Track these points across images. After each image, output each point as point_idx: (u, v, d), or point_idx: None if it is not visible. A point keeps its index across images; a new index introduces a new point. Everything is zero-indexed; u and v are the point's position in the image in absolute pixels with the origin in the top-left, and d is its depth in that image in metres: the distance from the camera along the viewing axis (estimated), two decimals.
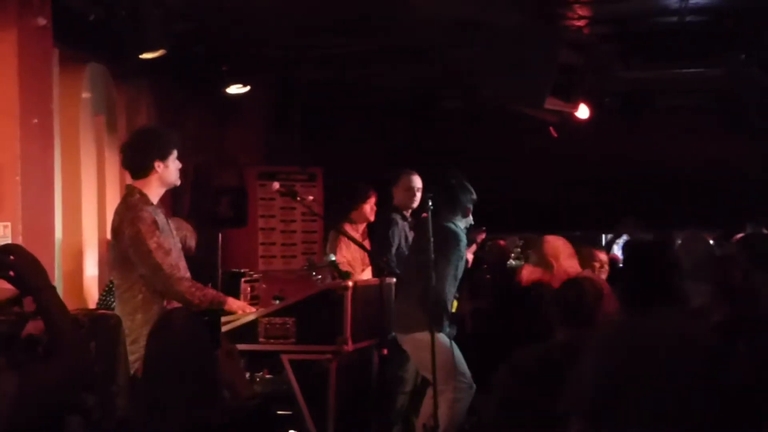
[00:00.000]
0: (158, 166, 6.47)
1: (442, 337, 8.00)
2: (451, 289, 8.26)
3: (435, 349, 8.00)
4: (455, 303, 9.76)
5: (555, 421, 5.11)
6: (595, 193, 13.07)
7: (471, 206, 8.48)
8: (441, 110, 13.45)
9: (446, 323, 8.08)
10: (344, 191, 9.82)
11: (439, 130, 13.58)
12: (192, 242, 7.69)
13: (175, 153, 6.57)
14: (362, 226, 9.58)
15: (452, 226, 8.28)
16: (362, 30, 9.93)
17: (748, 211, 11.16)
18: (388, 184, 9.48)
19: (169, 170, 6.52)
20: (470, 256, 9.32)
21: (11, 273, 3.77)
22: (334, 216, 9.63)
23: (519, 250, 12.25)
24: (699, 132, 12.71)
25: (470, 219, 8.46)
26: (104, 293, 8.25)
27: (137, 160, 6.54)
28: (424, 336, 7.82)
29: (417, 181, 9.11)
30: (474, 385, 8.24)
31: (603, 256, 8.67)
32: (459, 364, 8.21)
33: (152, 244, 6.29)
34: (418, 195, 8.98)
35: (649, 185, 13.13)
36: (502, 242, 10.70)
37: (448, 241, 8.20)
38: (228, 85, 10.75)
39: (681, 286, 4.92)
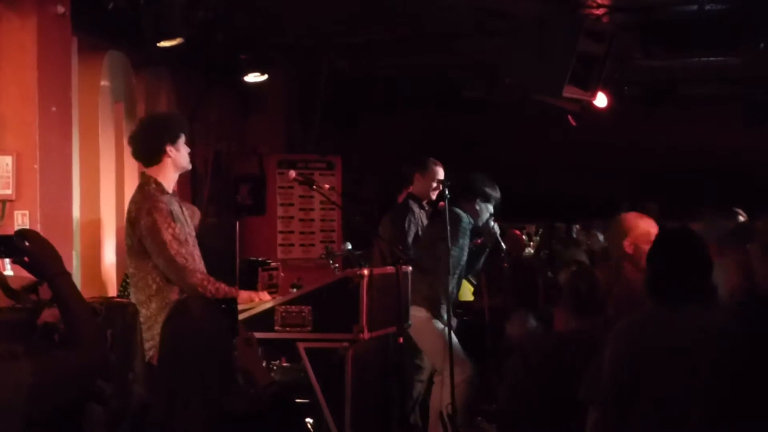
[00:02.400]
0: (170, 150, 6.47)
1: (437, 323, 8.17)
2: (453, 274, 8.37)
3: (433, 335, 8.18)
4: (470, 290, 9.84)
5: (566, 409, 5.12)
6: (615, 181, 13.05)
7: (480, 207, 8.58)
8: (462, 100, 13.42)
9: (443, 309, 8.20)
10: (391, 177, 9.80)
11: (460, 120, 13.57)
12: (195, 220, 7.67)
13: (183, 136, 6.57)
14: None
15: (457, 210, 8.39)
16: (384, 19, 9.92)
17: None
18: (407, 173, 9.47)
19: (181, 154, 6.53)
20: None
21: (26, 259, 3.79)
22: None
23: (537, 238, 12.26)
24: (719, 121, 12.67)
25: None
26: (122, 286, 8.28)
27: (148, 148, 6.54)
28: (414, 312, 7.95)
29: (442, 174, 9.10)
30: (475, 373, 8.37)
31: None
32: (457, 352, 8.30)
33: (167, 235, 6.30)
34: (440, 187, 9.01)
35: (669, 174, 13.10)
36: (516, 231, 10.72)
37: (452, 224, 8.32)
38: (248, 73, 10.74)
39: (710, 279, 4.89)
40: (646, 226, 6.72)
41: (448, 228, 7.95)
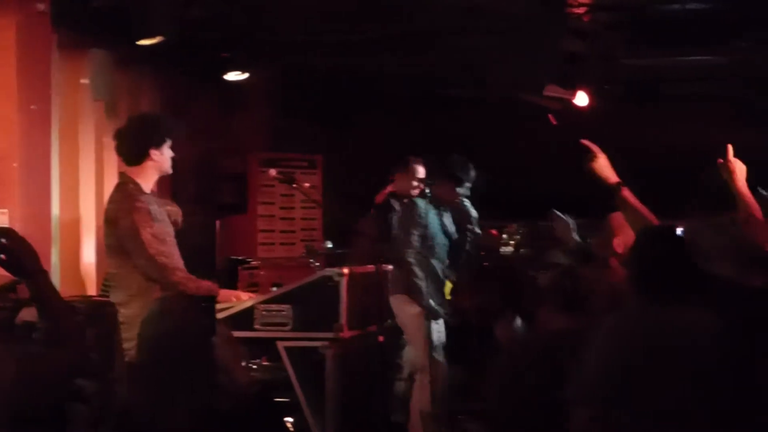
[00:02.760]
0: (154, 154, 6.44)
1: (415, 308, 8.22)
2: (423, 255, 8.44)
3: (417, 331, 8.24)
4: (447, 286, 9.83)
5: (552, 408, 5.11)
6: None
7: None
8: (448, 98, 13.40)
9: (425, 296, 8.24)
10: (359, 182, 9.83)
11: (446, 118, 13.54)
12: (178, 217, 7.63)
13: (169, 141, 6.54)
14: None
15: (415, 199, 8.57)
16: (369, 17, 9.89)
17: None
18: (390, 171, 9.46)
19: (164, 158, 6.49)
20: None
21: (3, 256, 3.76)
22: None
23: (518, 237, 12.24)
24: (704, 120, 12.66)
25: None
26: (104, 286, 8.25)
27: (133, 147, 6.50)
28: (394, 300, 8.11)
29: (422, 172, 9.10)
30: (451, 374, 8.43)
31: None
32: (433, 346, 8.34)
33: (146, 236, 6.27)
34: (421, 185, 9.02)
35: (655, 173, 13.07)
36: (493, 231, 10.74)
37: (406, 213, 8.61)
38: (232, 72, 10.70)
39: (697, 276, 4.89)
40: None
41: (427, 224, 7.96)
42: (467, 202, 8.91)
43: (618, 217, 6.84)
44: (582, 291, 5.74)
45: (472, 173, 8.81)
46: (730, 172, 6.17)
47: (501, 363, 5.98)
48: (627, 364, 4.59)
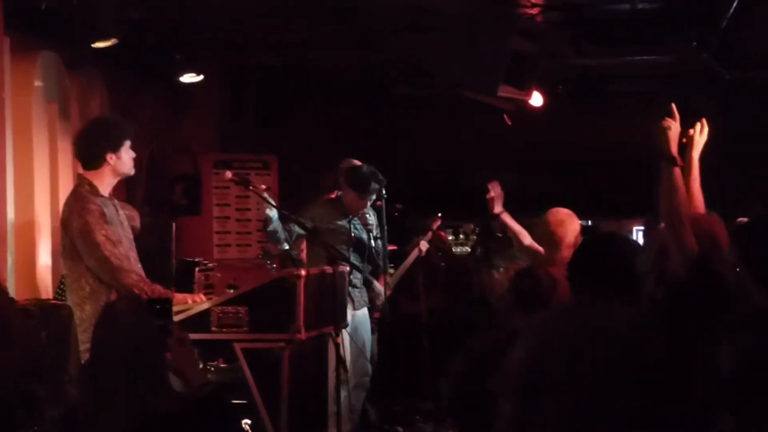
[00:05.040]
0: (110, 157, 6.48)
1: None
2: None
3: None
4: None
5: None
6: (550, 179, 13.09)
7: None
8: (396, 97, 13.43)
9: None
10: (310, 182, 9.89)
11: (394, 117, 13.58)
12: (136, 222, 7.62)
13: (128, 143, 6.57)
14: None
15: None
16: (317, 15, 9.90)
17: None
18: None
19: (122, 161, 6.54)
20: (424, 245, 9.44)
21: None
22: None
23: (474, 237, 12.30)
24: (653, 119, 12.72)
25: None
26: (60, 288, 8.22)
27: (89, 152, 6.55)
28: None
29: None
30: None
31: None
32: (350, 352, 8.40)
33: (100, 237, 6.28)
34: None
35: (604, 172, 13.15)
36: (442, 233, 10.82)
37: None
38: (182, 73, 10.70)
39: (629, 277, 4.95)
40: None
41: (385, 226, 7.97)
42: (370, 212, 8.97)
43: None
44: (539, 291, 5.79)
45: (377, 185, 8.79)
46: (668, 140, 5.69)
47: (453, 364, 6.03)
48: (540, 358, 4.62)
